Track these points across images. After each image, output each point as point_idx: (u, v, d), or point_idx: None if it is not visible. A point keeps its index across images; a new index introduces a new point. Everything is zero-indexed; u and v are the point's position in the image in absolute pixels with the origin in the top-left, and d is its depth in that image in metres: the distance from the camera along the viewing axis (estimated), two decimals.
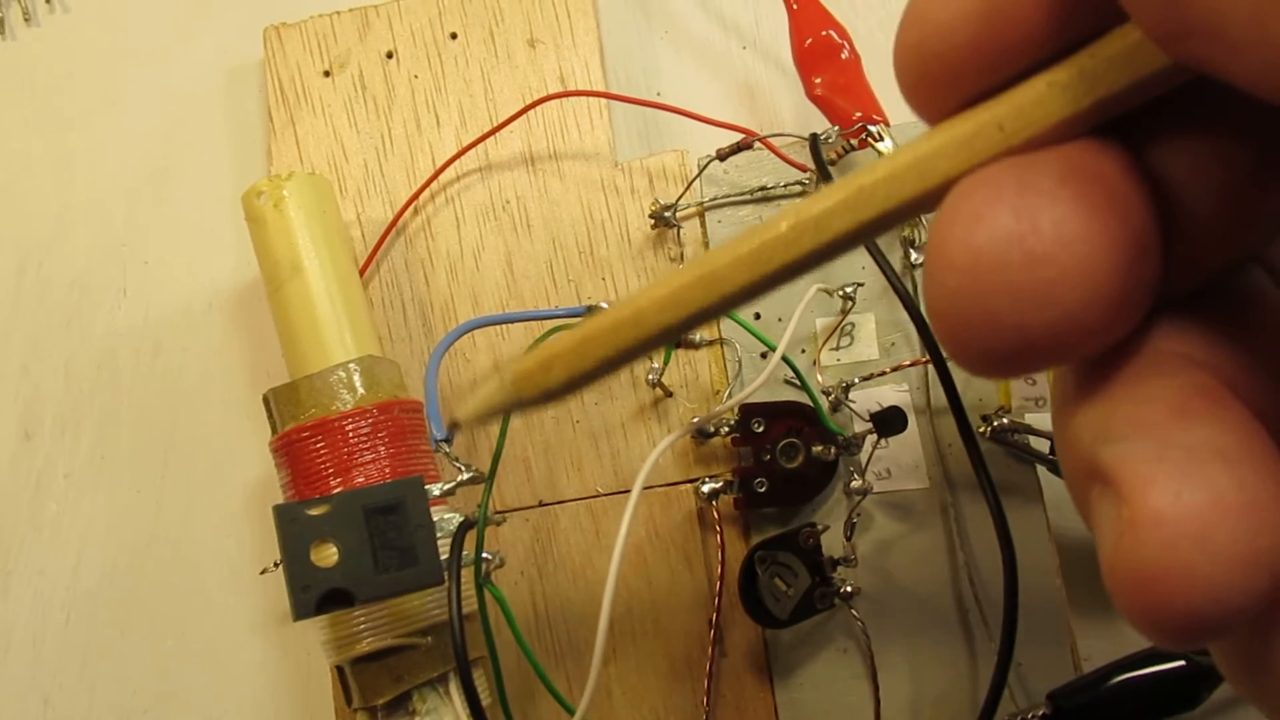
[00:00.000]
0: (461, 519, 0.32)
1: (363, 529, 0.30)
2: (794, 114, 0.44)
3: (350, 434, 0.36)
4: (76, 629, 0.43)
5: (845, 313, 0.39)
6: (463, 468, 0.33)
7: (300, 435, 0.36)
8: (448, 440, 0.32)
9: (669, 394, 0.41)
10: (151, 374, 0.45)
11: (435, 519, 0.32)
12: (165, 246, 0.46)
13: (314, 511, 0.30)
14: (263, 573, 0.41)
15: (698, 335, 0.41)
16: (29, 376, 0.45)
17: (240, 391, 0.45)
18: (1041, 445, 0.38)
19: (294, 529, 0.30)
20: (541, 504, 0.41)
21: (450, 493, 0.33)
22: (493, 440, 0.41)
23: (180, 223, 0.46)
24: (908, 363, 0.39)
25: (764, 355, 0.41)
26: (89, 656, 0.43)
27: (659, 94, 0.45)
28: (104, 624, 0.43)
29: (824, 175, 0.36)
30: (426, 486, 0.32)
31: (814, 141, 0.36)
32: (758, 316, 0.41)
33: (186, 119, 0.47)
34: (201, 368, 0.45)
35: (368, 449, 0.36)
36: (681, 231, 0.41)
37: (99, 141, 0.47)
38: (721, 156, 0.38)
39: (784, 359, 0.36)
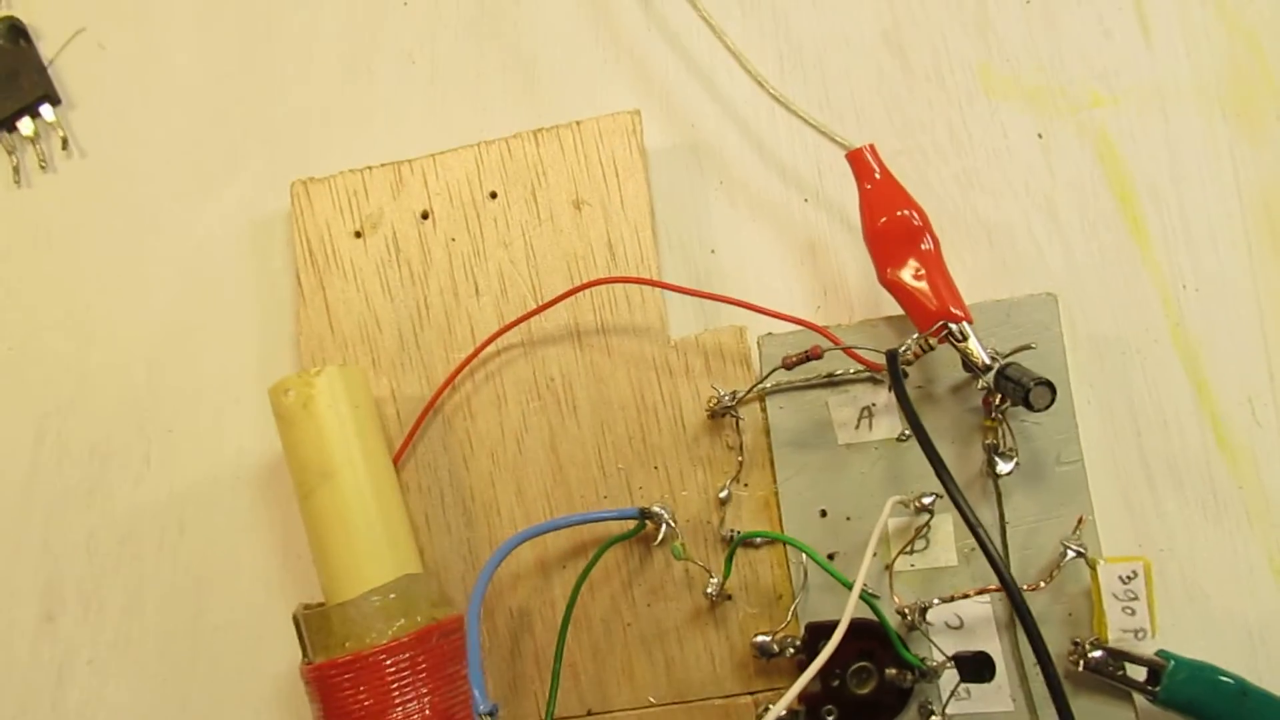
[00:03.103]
0: None
1: None
2: (860, 275, 0.41)
3: (388, 671, 0.34)
4: None
5: (925, 524, 0.36)
6: None
7: (333, 673, 0.34)
8: (492, 715, 0.29)
9: (728, 597, 0.38)
10: (177, 551, 0.43)
11: None
12: (189, 413, 0.44)
13: None
14: None
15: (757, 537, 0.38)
16: (49, 551, 0.43)
17: (272, 570, 0.42)
18: (1138, 673, 0.35)
19: None
20: (590, 714, 0.38)
21: None
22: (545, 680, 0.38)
23: (206, 386, 0.44)
24: (976, 590, 0.36)
25: (832, 556, 0.37)
26: None
27: (713, 251, 0.42)
28: None
29: (902, 397, 0.32)
30: None
31: (892, 361, 0.32)
32: (824, 514, 0.38)
33: (209, 274, 0.44)
34: (230, 544, 0.42)
35: (408, 687, 0.33)
36: (740, 419, 0.38)
37: (118, 297, 0.45)
38: (788, 366, 0.35)
39: (862, 597, 0.32)
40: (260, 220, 0.44)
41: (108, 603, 0.43)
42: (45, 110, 0.46)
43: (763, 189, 0.42)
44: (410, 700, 0.33)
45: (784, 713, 0.34)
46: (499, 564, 0.33)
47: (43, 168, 0.46)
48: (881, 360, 0.35)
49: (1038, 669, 0.36)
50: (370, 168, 0.42)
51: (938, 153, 0.41)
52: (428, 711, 0.33)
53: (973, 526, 0.30)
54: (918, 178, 0.41)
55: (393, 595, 0.35)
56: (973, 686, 0.36)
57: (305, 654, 0.35)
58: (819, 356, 0.34)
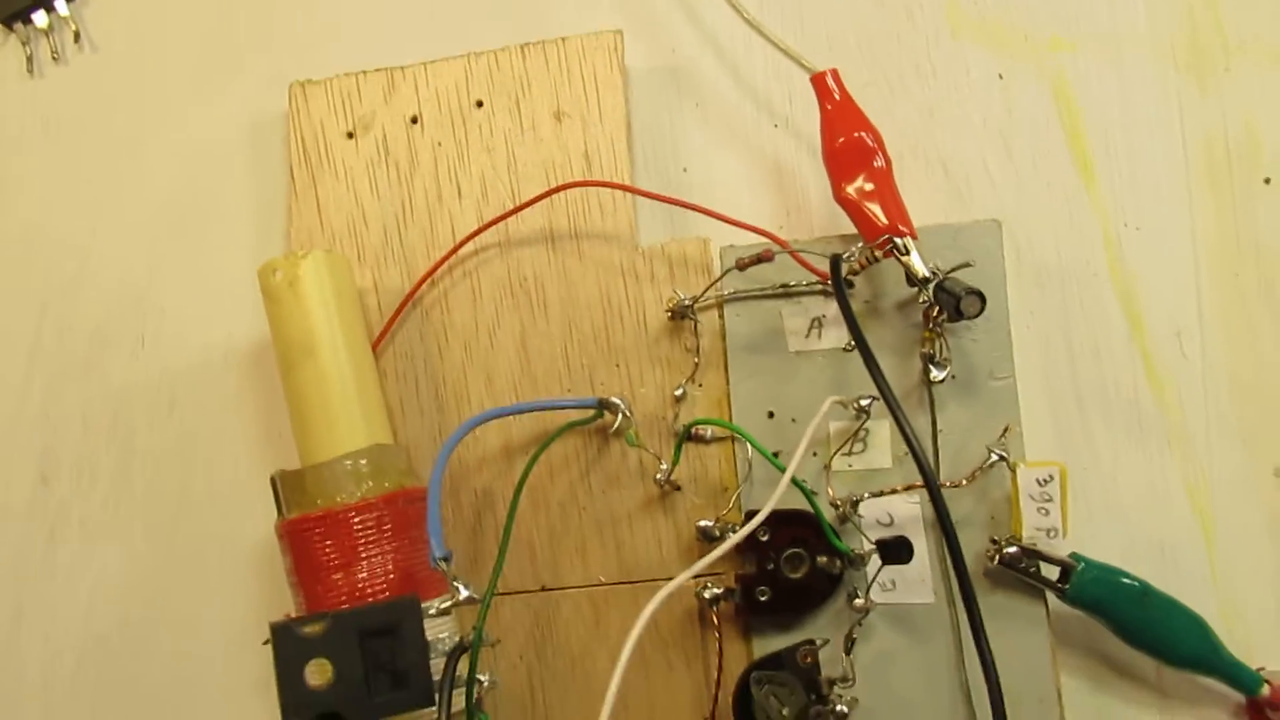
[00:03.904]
0: (456, 640, 0.32)
1: (357, 650, 0.31)
2: (822, 198, 0.43)
3: (355, 527, 0.36)
4: (86, 675, 0.44)
5: (861, 424, 0.39)
6: (461, 587, 0.33)
7: (305, 526, 0.36)
8: (446, 559, 0.32)
9: (677, 488, 0.40)
10: (167, 426, 0.45)
11: (430, 638, 0.32)
12: (184, 296, 0.46)
13: (309, 630, 0.31)
14: (265, 644, 0.41)
15: (709, 431, 0.40)
16: (48, 420, 0.46)
17: (253, 448, 0.45)
18: (1051, 573, 0.38)
19: (289, 649, 0.30)
20: (544, 589, 0.41)
21: (446, 613, 0.33)
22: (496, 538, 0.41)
23: (200, 273, 0.46)
24: (905, 486, 0.38)
25: (777, 454, 0.40)
26: (97, 704, 0.44)
27: (685, 170, 0.44)
28: (113, 673, 0.44)
29: (842, 300, 0.35)
30: (424, 604, 0.32)
31: (835, 266, 0.35)
32: (771, 415, 0.40)
33: (210, 167, 0.47)
34: (215, 422, 0.45)
35: (373, 543, 0.36)
36: (699, 323, 0.41)
37: (122, 186, 0.47)
38: (741, 267, 0.37)
39: (794, 482, 0.35)
40: (259, 119, 0.47)
41: (100, 469, 0.45)
42: (59, 4, 0.48)
43: (736, 113, 0.44)
44: (375, 556, 0.36)
45: (716, 582, 0.37)
46: (467, 432, 0.36)
47: (55, 59, 0.48)
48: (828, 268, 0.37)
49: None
50: (365, 72, 0.44)
51: (903, 86, 0.44)
52: (390, 567, 0.36)
53: (896, 416, 0.33)
54: (883, 108, 0.43)
55: (364, 461, 0.37)
56: (897, 579, 0.39)
57: (280, 511, 0.38)
58: (770, 259, 0.37)
